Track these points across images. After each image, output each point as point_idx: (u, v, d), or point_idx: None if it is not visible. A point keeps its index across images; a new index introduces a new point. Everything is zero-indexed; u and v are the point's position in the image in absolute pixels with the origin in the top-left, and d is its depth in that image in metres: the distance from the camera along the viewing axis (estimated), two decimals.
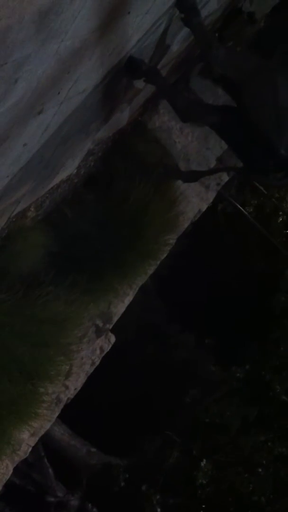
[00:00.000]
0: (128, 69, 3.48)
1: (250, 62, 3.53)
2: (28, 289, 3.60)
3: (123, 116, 4.40)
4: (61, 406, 4.55)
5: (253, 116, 3.54)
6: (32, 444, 4.21)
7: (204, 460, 6.92)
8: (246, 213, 9.49)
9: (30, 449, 4.20)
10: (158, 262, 5.12)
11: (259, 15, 5.23)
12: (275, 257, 9.34)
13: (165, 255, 5.16)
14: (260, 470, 7.24)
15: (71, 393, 4.63)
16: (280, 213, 10.75)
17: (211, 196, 6.12)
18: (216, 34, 4.93)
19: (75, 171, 4.24)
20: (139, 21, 3.11)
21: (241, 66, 3.52)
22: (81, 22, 2.41)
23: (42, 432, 4.29)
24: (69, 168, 4.07)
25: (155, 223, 4.56)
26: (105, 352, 4.91)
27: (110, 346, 4.94)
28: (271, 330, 7.86)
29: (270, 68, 3.54)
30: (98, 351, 4.87)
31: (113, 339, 4.95)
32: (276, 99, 3.50)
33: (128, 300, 5.00)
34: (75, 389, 4.67)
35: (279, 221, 10.79)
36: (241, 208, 9.56)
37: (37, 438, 4.24)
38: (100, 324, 4.70)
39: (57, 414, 4.55)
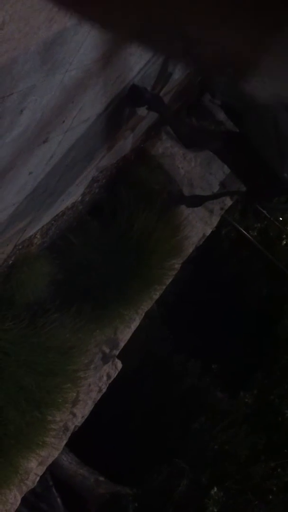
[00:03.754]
0: (131, 97, 3.53)
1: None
2: (34, 317, 3.60)
3: (126, 143, 4.44)
4: (69, 434, 4.50)
5: (255, 142, 3.57)
6: (40, 473, 4.16)
7: (215, 488, 6.82)
8: (250, 237, 9.51)
9: (38, 478, 4.15)
10: (164, 287, 5.11)
11: None
12: (280, 281, 9.32)
13: (170, 280, 5.16)
14: (270, 497, 7.12)
15: (79, 421, 4.59)
16: (284, 236, 10.76)
17: (215, 220, 6.14)
18: None
19: (80, 198, 4.27)
20: (141, 50, 3.16)
21: (243, 94, 3.56)
22: (84, 53, 2.46)
23: (50, 461, 4.24)
24: (74, 195, 4.10)
25: (160, 249, 4.57)
26: (112, 379, 4.88)
27: (117, 372, 4.91)
28: (278, 355, 7.80)
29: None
30: (105, 378, 4.84)
31: (119, 365, 4.93)
32: (277, 125, 3.54)
33: (134, 325, 4.98)
34: (83, 416, 4.63)
35: (283, 244, 10.79)
36: (244, 232, 9.58)
37: (45, 467, 4.20)
38: (107, 351, 4.68)
39: (64, 442, 4.51)
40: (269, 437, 7.30)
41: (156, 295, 5.08)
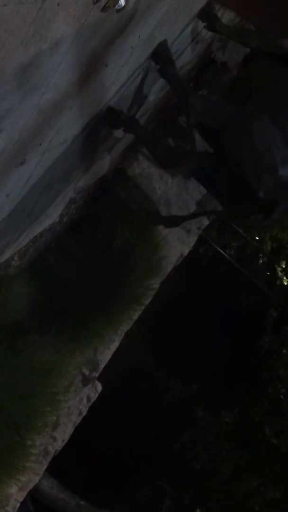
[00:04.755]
0: (107, 119, 3.56)
1: (226, 109, 3.64)
2: (13, 338, 3.57)
3: (103, 164, 4.47)
4: (49, 458, 4.46)
5: (231, 161, 3.62)
6: (21, 499, 4.10)
7: (198, 510, 6.77)
8: (226, 255, 9.59)
9: (18, 504, 4.08)
10: (143, 307, 5.11)
11: (231, 64, 5.41)
12: (258, 298, 9.40)
13: (149, 300, 5.17)
14: None
15: (59, 445, 4.54)
16: (261, 255, 10.88)
17: (192, 240, 6.19)
18: (191, 83, 5.08)
19: (58, 219, 4.27)
20: (116, 73, 3.20)
21: (217, 113, 3.62)
22: (61, 75, 2.49)
23: (31, 486, 4.18)
24: (52, 216, 4.10)
25: (138, 268, 4.58)
26: (92, 401, 4.84)
27: (97, 395, 4.88)
28: (258, 371, 7.83)
29: (245, 114, 3.65)
30: (85, 401, 4.80)
31: (99, 387, 4.90)
32: (252, 144, 3.59)
33: (114, 346, 4.97)
34: (63, 440, 4.59)
35: (260, 263, 10.91)
36: (221, 251, 9.66)
37: (25, 493, 4.14)
38: (87, 373, 4.66)
39: (45, 467, 4.45)
40: (250, 455, 7.29)
41: (135, 315, 5.08)
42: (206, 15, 3.85)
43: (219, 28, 3.99)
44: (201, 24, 4.02)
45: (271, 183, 3.63)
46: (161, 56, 3.49)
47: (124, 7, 2.59)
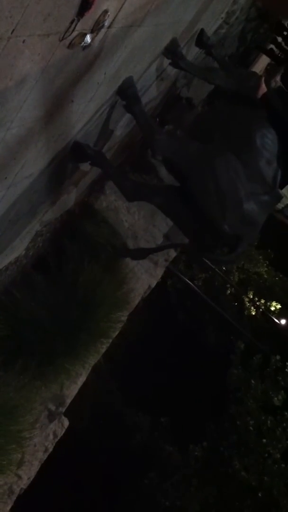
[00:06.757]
0: (74, 153, 3.58)
1: (191, 146, 3.70)
2: None
3: (70, 198, 4.48)
4: (14, 497, 4.32)
5: (196, 196, 3.67)
6: None
7: None
8: (195, 287, 9.62)
9: None
10: (110, 340, 5.07)
11: (196, 101, 5.53)
12: (226, 329, 9.43)
13: (116, 333, 5.13)
14: None
15: (24, 483, 4.42)
16: (228, 285, 10.97)
17: (160, 272, 6.20)
18: (157, 119, 5.16)
19: (24, 252, 4.23)
20: (82, 109, 3.23)
21: (182, 149, 3.68)
22: (26, 111, 2.50)
23: None
24: (17, 250, 4.07)
25: (106, 301, 4.56)
26: (58, 437, 4.74)
27: (64, 430, 4.78)
28: (227, 404, 7.80)
29: (209, 150, 3.71)
30: (51, 437, 4.70)
31: (66, 423, 4.80)
32: (217, 180, 3.65)
33: (81, 381, 4.89)
34: (29, 478, 4.46)
35: (227, 294, 10.99)
36: (189, 282, 9.70)
37: None
38: (53, 408, 4.57)
39: (10, 506, 4.32)
40: (219, 490, 7.20)
41: (103, 349, 5.03)
42: (171, 53, 3.94)
43: (183, 65, 4.08)
44: (166, 62, 4.11)
45: (235, 218, 3.68)
46: (127, 92, 3.54)
47: (90, 44, 2.63)
